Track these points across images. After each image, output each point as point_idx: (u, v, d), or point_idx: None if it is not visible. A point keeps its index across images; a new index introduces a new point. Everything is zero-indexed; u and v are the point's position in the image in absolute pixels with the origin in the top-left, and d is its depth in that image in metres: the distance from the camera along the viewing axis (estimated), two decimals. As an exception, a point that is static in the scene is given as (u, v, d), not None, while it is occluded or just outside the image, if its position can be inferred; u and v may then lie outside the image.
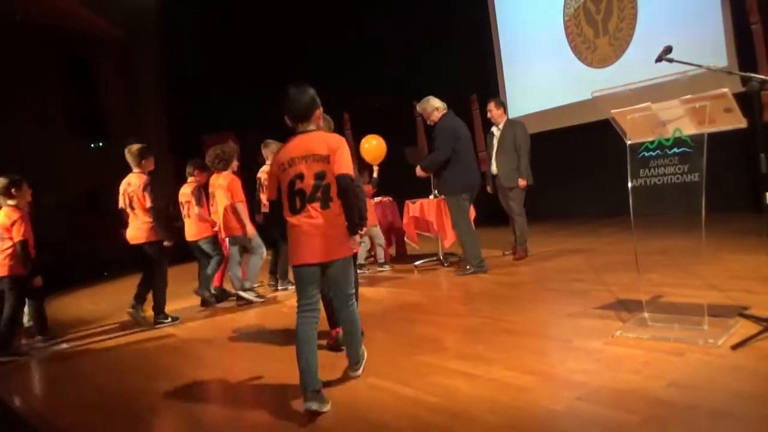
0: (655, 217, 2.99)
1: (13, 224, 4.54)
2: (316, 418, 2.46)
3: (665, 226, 3.98)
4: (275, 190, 2.70)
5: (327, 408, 2.49)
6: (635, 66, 6.74)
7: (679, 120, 2.80)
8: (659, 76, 2.77)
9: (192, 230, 5.62)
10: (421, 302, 4.72)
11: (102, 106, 12.41)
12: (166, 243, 5.06)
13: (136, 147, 5.03)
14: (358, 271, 4.27)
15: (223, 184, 5.37)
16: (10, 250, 4.55)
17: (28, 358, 4.58)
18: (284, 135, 2.77)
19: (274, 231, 5.30)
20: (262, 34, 11.43)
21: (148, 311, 5.14)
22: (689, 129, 2.78)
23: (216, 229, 5.56)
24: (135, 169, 5.01)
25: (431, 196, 6.36)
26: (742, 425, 1.97)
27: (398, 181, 6.86)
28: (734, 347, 2.55)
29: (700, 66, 2.76)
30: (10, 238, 4.54)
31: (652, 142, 2.92)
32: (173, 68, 12.37)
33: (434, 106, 5.48)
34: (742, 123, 2.70)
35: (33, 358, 4.58)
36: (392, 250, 7.31)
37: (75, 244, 9.88)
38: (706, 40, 7.09)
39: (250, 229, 5.38)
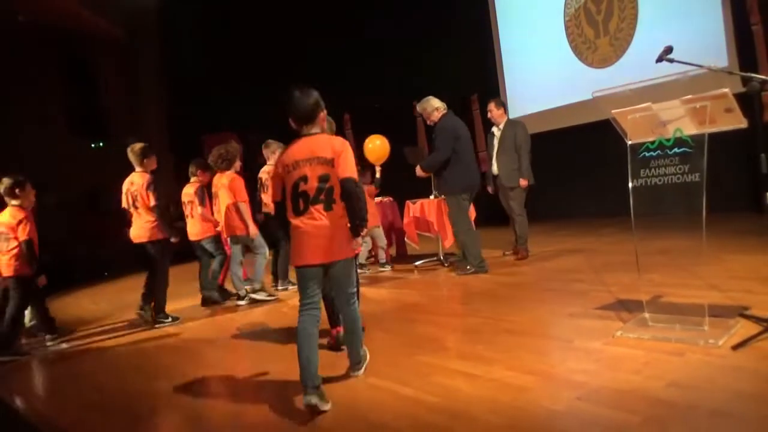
0: (656, 218, 3.00)
1: (18, 224, 4.54)
2: (317, 417, 2.46)
3: (666, 227, 3.98)
4: (280, 192, 2.72)
5: (327, 407, 2.50)
6: (636, 66, 6.72)
7: (679, 120, 2.80)
8: (660, 77, 2.77)
9: (195, 230, 5.65)
10: (421, 302, 4.72)
11: (102, 106, 12.42)
12: (173, 239, 5.07)
13: (138, 146, 5.05)
14: (359, 270, 4.27)
15: (226, 184, 5.38)
16: (15, 250, 4.55)
17: (28, 357, 4.59)
18: (285, 135, 2.78)
19: (278, 231, 5.31)
20: (263, 34, 11.43)
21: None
22: (690, 129, 2.78)
23: (219, 228, 5.57)
24: (138, 168, 5.02)
25: (431, 197, 6.35)
26: (742, 425, 1.97)
27: (398, 181, 6.85)
28: (735, 347, 2.55)
29: (700, 66, 2.76)
30: (16, 238, 4.54)
31: (652, 143, 2.92)
32: (173, 68, 12.38)
33: (434, 106, 5.48)
34: (742, 123, 2.70)
35: (34, 358, 4.58)
36: (392, 251, 7.31)
37: (75, 244, 9.87)
38: (706, 41, 7.08)
39: (253, 229, 5.39)
